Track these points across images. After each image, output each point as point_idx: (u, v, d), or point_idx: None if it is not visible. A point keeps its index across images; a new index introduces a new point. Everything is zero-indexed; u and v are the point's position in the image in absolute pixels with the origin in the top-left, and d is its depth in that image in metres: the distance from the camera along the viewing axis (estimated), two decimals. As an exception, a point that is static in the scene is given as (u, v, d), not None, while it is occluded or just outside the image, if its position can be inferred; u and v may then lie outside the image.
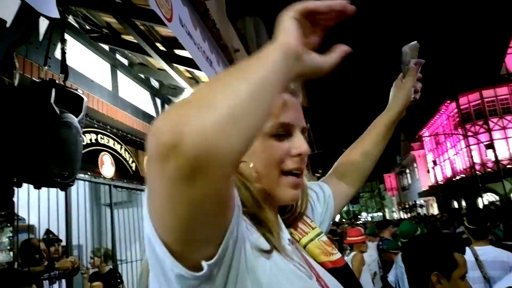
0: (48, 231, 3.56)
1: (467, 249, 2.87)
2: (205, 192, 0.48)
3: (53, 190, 3.31)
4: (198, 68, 3.56)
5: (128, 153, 4.84)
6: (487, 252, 2.77)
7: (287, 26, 0.59)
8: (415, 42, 1.14)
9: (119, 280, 4.45)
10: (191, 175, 0.45)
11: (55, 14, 1.89)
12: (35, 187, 2.89)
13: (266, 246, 0.70)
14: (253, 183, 0.77)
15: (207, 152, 0.45)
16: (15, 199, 2.87)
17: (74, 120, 2.91)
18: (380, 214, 50.34)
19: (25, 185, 2.92)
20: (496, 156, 22.58)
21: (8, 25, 2.04)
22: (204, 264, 0.53)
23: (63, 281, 3.61)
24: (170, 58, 3.81)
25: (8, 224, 2.76)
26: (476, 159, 26.30)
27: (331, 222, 1.09)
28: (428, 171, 34.15)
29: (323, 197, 1.05)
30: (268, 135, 0.77)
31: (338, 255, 0.87)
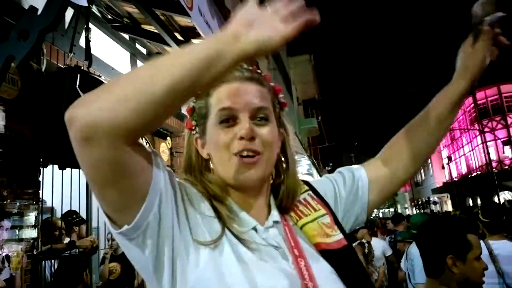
0: (73, 212, 3.71)
1: (481, 242, 2.88)
2: (98, 156, 0.62)
3: (75, 174, 3.49)
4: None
5: (145, 139, 5.00)
6: (502, 246, 2.73)
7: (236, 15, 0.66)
8: None
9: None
10: (83, 140, 0.61)
11: (84, 2, 2.01)
12: (60, 168, 3.04)
13: (209, 237, 0.74)
14: (207, 176, 0.85)
15: (91, 124, 0.60)
16: (40, 179, 3.04)
17: (97, 105, 3.05)
18: (392, 210, 50.02)
19: (49, 169, 3.09)
20: (513, 153, 22.21)
21: (39, 12, 2.17)
22: (125, 226, 0.69)
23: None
24: (188, 47, 3.92)
25: (34, 202, 2.93)
26: (493, 156, 25.89)
27: (371, 212, 0.99)
28: (443, 167, 33.75)
29: (352, 179, 0.98)
30: (216, 123, 0.83)
31: (338, 236, 0.85)
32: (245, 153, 0.79)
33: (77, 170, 3.59)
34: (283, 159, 0.92)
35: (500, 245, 2.74)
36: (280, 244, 0.81)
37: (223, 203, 0.82)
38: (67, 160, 2.95)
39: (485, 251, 2.69)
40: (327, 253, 0.82)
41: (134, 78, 0.65)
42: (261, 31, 0.63)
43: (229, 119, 0.82)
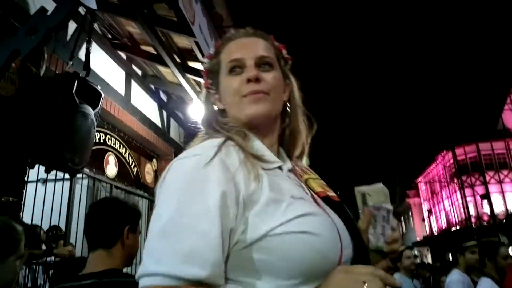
0: (55, 227, 3.71)
1: None
2: None
3: (58, 187, 3.54)
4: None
5: (132, 157, 5.04)
6: None
7: None
8: (379, 184, 0.99)
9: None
10: None
11: (94, 5, 2.15)
12: (46, 170, 3.06)
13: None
14: (223, 120, 0.93)
15: None
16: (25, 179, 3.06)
17: (91, 111, 3.14)
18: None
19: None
20: (492, 209, 22.45)
21: (48, 13, 2.31)
22: None
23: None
24: (184, 69, 4.09)
25: (16, 199, 2.93)
26: (472, 212, 26.19)
27: None
28: (424, 220, 33.89)
29: None
30: (226, 74, 0.93)
31: (334, 194, 0.94)
32: (253, 93, 0.89)
33: (61, 182, 3.64)
34: (288, 109, 0.99)
35: None
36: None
37: (247, 140, 0.87)
38: (54, 162, 2.99)
39: None
40: (329, 201, 0.90)
41: None
42: None
43: (237, 67, 0.92)
